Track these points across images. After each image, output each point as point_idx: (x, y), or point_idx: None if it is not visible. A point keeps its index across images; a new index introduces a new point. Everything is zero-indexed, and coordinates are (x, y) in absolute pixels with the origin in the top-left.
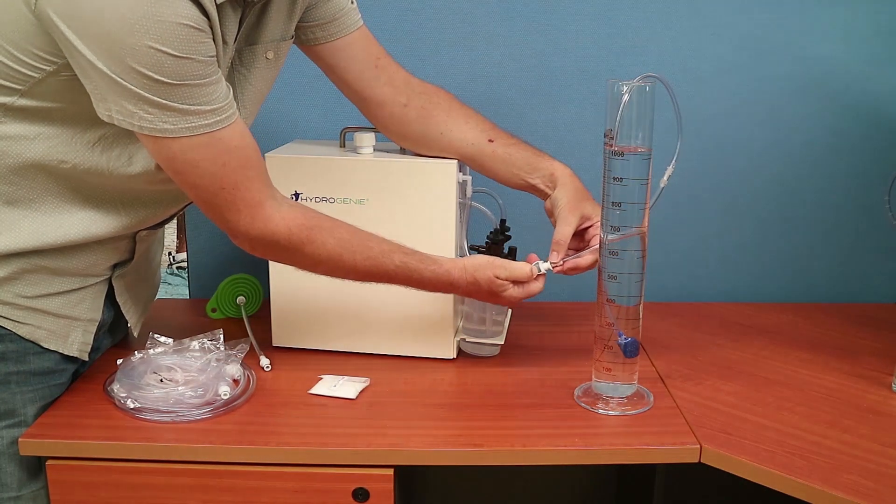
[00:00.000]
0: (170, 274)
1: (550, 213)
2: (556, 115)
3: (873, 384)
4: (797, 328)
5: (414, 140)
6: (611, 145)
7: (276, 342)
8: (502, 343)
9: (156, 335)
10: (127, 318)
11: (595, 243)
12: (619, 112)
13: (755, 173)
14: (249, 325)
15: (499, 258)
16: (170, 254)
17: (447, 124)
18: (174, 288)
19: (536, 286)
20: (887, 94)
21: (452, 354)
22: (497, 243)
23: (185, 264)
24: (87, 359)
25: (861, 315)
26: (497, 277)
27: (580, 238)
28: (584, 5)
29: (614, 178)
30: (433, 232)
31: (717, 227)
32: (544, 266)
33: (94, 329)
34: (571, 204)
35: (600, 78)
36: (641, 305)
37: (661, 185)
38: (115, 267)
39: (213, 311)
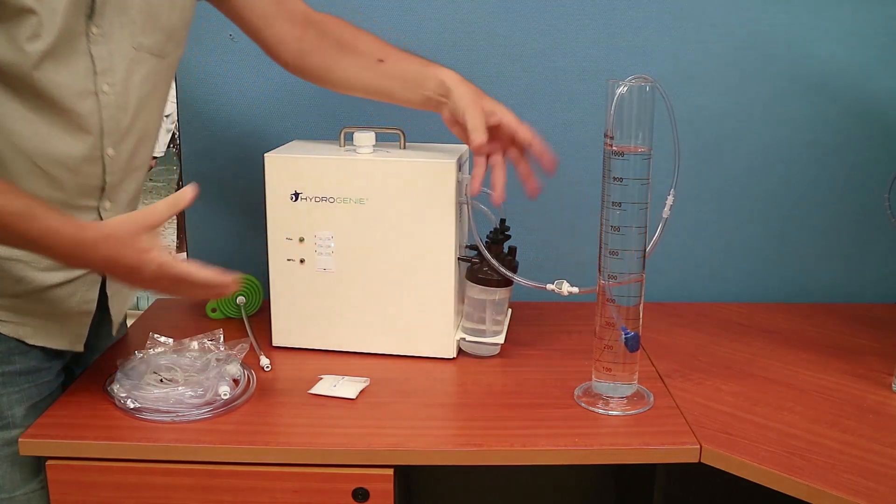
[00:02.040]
0: None
1: (453, 123)
2: (556, 115)
3: (873, 384)
4: (797, 328)
5: (314, 76)
6: (611, 145)
7: (276, 342)
8: (502, 343)
9: (156, 335)
10: (111, 309)
11: (511, 127)
12: (613, 106)
13: (755, 173)
14: (249, 325)
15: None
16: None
17: (339, 55)
18: None
19: (190, 270)
20: (888, 93)
21: (452, 354)
22: (497, 243)
23: None
24: (80, 349)
25: (861, 315)
26: (140, 233)
27: (496, 138)
28: (584, 5)
29: (614, 178)
30: (433, 231)
31: (717, 227)
32: (568, 288)
33: (88, 321)
34: (473, 102)
35: (600, 78)
36: (641, 305)
37: (664, 216)
38: None
39: (213, 311)
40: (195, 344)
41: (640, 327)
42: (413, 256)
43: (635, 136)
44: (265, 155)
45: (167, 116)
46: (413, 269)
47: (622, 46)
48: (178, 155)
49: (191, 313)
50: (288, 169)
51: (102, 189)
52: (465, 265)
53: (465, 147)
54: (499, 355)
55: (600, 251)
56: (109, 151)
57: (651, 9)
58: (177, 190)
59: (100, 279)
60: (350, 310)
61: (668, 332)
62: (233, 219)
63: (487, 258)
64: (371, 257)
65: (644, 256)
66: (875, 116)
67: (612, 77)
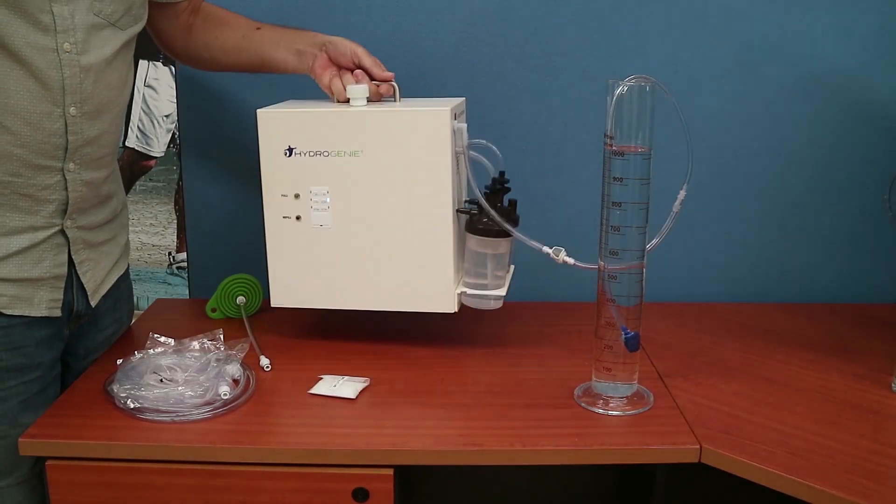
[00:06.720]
0: (170, 274)
1: (325, 67)
2: (556, 115)
3: (873, 384)
4: (797, 328)
5: (196, 56)
6: (611, 145)
7: (274, 302)
8: (504, 295)
9: (156, 335)
10: (83, 280)
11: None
12: (613, 106)
13: (755, 174)
14: (249, 325)
15: None
16: (170, 254)
17: (219, 29)
18: (174, 288)
19: None
20: (887, 94)
21: (454, 308)
22: (495, 192)
23: (185, 264)
24: (59, 314)
25: (861, 315)
26: None
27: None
28: (584, 5)
29: (614, 178)
30: (429, 182)
31: (717, 227)
32: (564, 257)
33: (62, 285)
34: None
35: (600, 78)
36: (641, 305)
37: (675, 211)
38: (63, 215)
39: (213, 311)
40: (195, 344)
41: (640, 327)
42: (410, 208)
43: (635, 136)
44: (258, 111)
45: (167, 116)
46: (410, 222)
47: (622, 46)
48: (178, 155)
49: (191, 313)
50: (281, 124)
51: (66, 149)
52: (464, 218)
53: (460, 99)
54: (498, 355)
55: (600, 251)
56: (71, 110)
57: (651, 9)
58: (177, 190)
59: (66, 243)
60: (348, 266)
61: (668, 332)
62: (233, 220)
63: (485, 207)
64: (367, 211)
65: (644, 256)
66: (875, 116)
67: (612, 77)
